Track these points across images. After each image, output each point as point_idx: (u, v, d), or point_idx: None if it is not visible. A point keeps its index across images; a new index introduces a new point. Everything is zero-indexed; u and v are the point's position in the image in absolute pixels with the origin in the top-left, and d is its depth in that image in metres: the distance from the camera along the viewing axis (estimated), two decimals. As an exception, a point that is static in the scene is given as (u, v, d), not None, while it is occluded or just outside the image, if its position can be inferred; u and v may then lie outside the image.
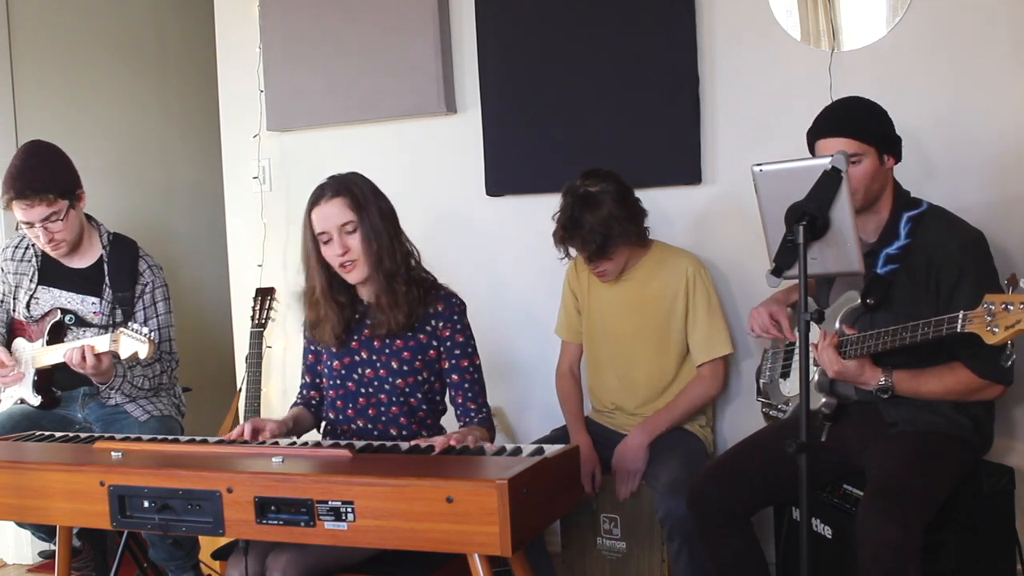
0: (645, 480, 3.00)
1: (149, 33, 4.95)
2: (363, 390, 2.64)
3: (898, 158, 2.53)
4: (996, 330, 2.06)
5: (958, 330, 2.15)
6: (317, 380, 2.75)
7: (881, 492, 2.32)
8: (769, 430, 2.77)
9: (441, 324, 2.58)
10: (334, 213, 2.52)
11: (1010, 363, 2.12)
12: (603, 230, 2.88)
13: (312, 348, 2.75)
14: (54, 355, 3.07)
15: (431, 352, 2.60)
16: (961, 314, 2.14)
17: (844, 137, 2.46)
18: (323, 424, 2.76)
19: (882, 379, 2.42)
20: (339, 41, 3.71)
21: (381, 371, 2.61)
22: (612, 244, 2.92)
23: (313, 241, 2.56)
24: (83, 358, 2.94)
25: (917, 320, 2.27)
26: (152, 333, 2.90)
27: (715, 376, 3.07)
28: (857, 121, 2.48)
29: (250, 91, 3.94)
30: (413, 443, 2.35)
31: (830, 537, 2.58)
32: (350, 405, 2.65)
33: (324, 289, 2.58)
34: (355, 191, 2.54)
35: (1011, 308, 2.04)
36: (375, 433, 2.64)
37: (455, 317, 2.59)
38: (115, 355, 2.94)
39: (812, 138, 2.54)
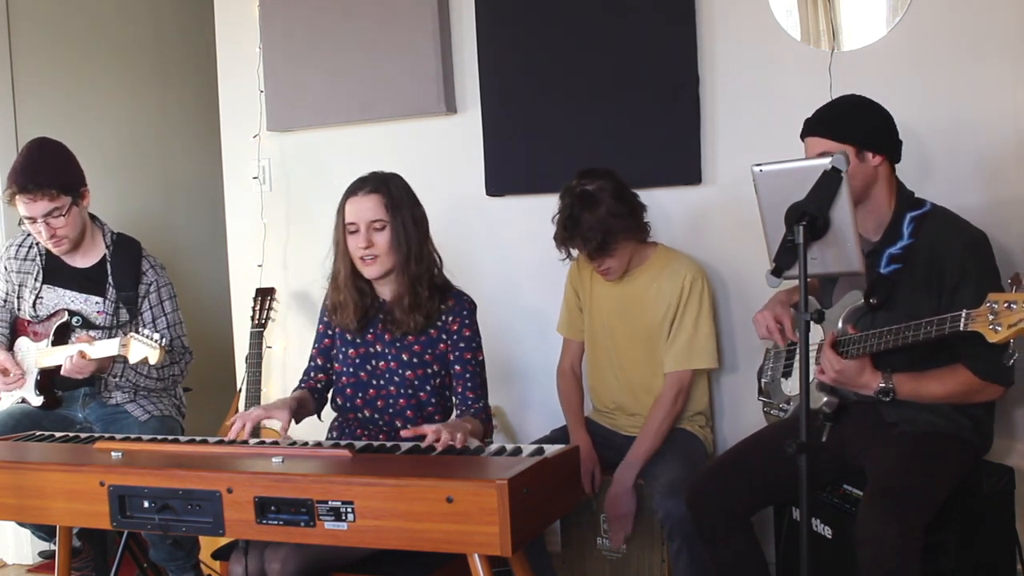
0: (644, 480, 3.00)
1: (149, 33, 4.95)
2: (374, 381, 2.68)
3: (888, 155, 2.51)
4: (999, 329, 2.05)
5: (961, 329, 2.15)
6: (328, 364, 2.79)
7: (881, 492, 2.32)
8: (769, 430, 2.77)
9: (451, 318, 2.64)
10: (367, 208, 2.59)
11: (1011, 362, 2.11)
12: (603, 227, 2.89)
13: (329, 332, 2.79)
14: (57, 356, 3.07)
15: (441, 346, 2.65)
16: (964, 313, 2.14)
17: (818, 136, 2.51)
18: (330, 409, 2.79)
19: (882, 382, 2.42)
20: (339, 41, 3.71)
21: (392, 363, 2.66)
22: (613, 240, 2.92)
23: (343, 229, 2.64)
24: (72, 363, 2.98)
25: (918, 320, 2.27)
26: (164, 340, 2.92)
27: (676, 390, 3.00)
28: (833, 120, 2.51)
29: (250, 91, 3.94)
30: (411, 439, 2.35)
31: (830, 537, 2.58)
32: (359, 394, 2.70)
33: (347, 275, 2.66)
34: (392, 192, 2.62)
35: (1014, 307, 2.04)
36: (380, 424, 2.67)
37: (464, 312, 2.66)
38: (123, 358, 2.97)
39: (801, 136, 2.59)
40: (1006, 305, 2.05)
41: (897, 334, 2.31)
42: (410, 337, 2.64)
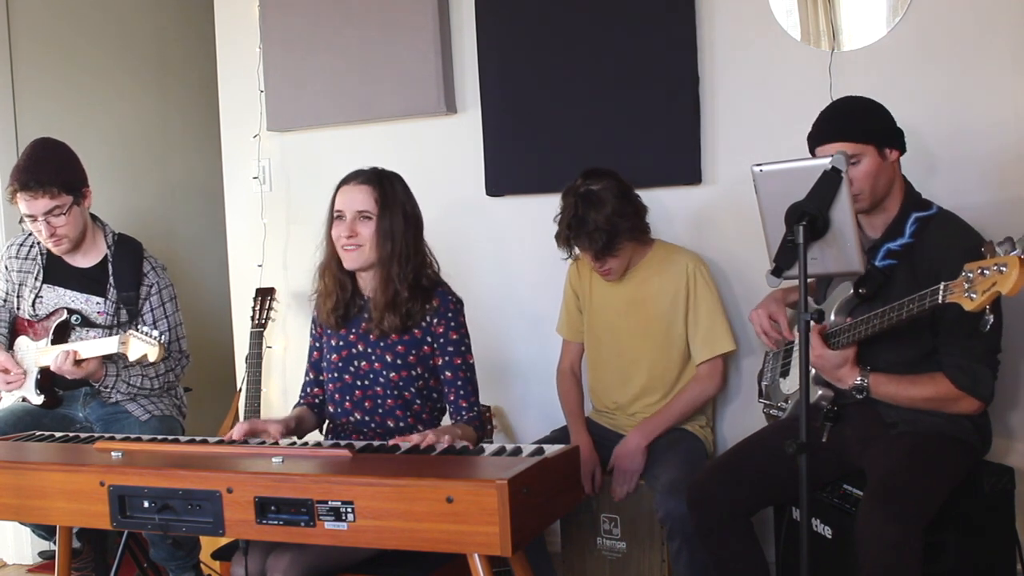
0: (645, 480, 3.00)
1: (149, 33, 4.95)
2: (359, 383, 2.66)
3: (902, 149, 2.52)
4: (974, 296, 2.05)
5: (940, 302, 2.15)
6: (321, 377, 2.77)
7: (881, 492, 2.32)
8: (769, 430, 2.77)
9: (435, 320, 2.60)
10: (357, 197, 2.58)
11: (993, 376, 2.10)
12: (608, 227, 2.90)
13: (317, 345, 2.77)
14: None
15: (425, 348, 2.61)
16: (942, 285, 2.14)
17: (839, 141, 2.46)
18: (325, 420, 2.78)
19: (858, 379, 2.43)
20: (339, 41, 3.71)
21: (376, 364, 2.63)
22: (618, 241, 2.93)
23: (330, 217, 2.62)
24: (63, 361, 2.98)
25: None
26: (163, 336, 2.92)
27: (713, 375, 3.07)
28: (850, 122, 2.48)
29: (250, 91, 3.94)
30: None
31: (830, 537, 2.58)
32: (347, 398, 2.68)
33: (329, 266, 2.65)
34: (386, 187, 2.59)
35: (987, 272, 2.03)
36: (372, 426, 2.66)
37: (449, 314, 2.61)
38: (123, 356, 2.98)
39: (812, 145, 2.54)
40: (980, 272, 2.05)
41: (883, 316, 2.32)
42: (393, 336, 2.60)
